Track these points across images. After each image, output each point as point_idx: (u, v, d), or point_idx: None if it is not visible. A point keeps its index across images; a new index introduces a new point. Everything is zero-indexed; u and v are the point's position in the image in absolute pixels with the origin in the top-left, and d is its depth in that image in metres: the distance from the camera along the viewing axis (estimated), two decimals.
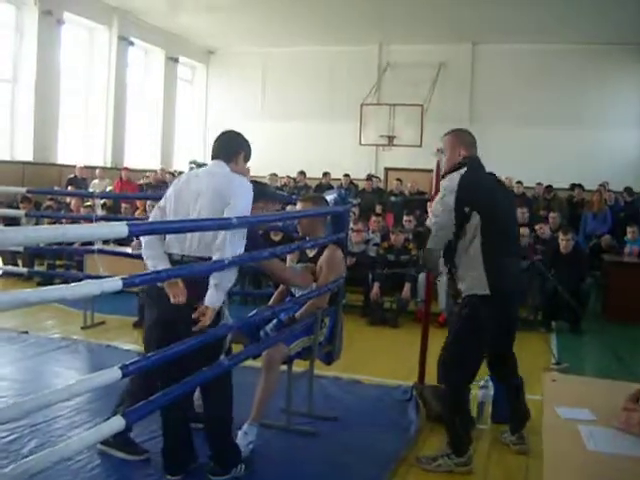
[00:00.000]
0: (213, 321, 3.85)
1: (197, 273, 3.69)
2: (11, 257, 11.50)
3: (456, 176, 4.68)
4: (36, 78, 17.32)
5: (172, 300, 3.84)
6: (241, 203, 4.03)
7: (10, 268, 10.97)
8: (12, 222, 11.41)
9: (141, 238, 4.17)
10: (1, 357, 7.16)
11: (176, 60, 22.84)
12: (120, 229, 2.87)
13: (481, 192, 4.70)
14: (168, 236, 4.12)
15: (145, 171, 19.43)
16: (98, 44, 19.96)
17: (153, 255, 4.03)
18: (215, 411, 4.37)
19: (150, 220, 4.38)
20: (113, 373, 2.93)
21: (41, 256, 11.64)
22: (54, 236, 2.64)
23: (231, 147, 4.37)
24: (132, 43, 20.43)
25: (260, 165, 13.48)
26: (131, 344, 7.59)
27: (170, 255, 4.04)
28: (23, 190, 9.82)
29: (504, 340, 5.04)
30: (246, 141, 4.45)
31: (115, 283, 2.79)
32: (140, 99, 21.97)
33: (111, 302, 8.13)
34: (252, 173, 10.69)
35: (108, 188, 16.22)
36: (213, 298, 3.84)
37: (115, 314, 9.03)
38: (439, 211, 4.69)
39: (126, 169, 18.02)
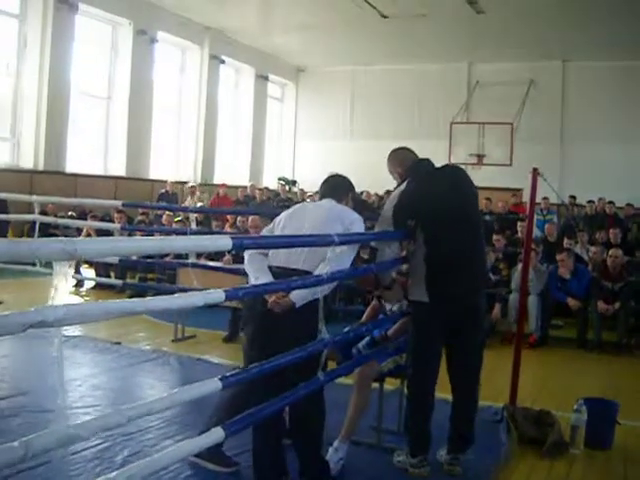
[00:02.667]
0: (312, 336, 3.86)
1: (297, 287, 3.71)
2: (104, 269, 11.68)
3: (401, 188, 4.86)
4: (130, 95, 17.81)
5: (269, 305, 3.90)
6: (360, 230, 4.38)
7: (104, 280, 11.15)
8: (105, 235, 11.62)
9: (245, 253, 4.26)
10: (95, 367, 7.30)
11: (266, 78, 23.15)
12: (224, 242, 2.94)
13: (421, 207, 4.73)
14: (272, 250, 4.20)
15: (237, 187, 19.65)
16: (190, 62, 20.43)
17: (255, 268, 4.08)
18: (306, 427, 4.36)
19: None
20: (213, 384, 2.97)
21: (132, 269, 11.78)
22: (162, 247, 2.72)
23: (341, 188, 4.73)
24: (223, 61, 20.82)
25: None
26: (221, 358, 7.64)
27: (271, 267, 4.09)
28: (119, 204, 9.98)
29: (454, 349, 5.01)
30: (352, 184, 4.84)
31: (218, 295, 2.83)
32: (230, 116, 22.32)
33: (202, 316, 8.27)
34: None
35: (199, 204, 16.43)
36: (299, 295, 3.89)
37: (205, 328, 9.08)
38: (382, 219, 4.91)
39: (224, 185, 18.33)
